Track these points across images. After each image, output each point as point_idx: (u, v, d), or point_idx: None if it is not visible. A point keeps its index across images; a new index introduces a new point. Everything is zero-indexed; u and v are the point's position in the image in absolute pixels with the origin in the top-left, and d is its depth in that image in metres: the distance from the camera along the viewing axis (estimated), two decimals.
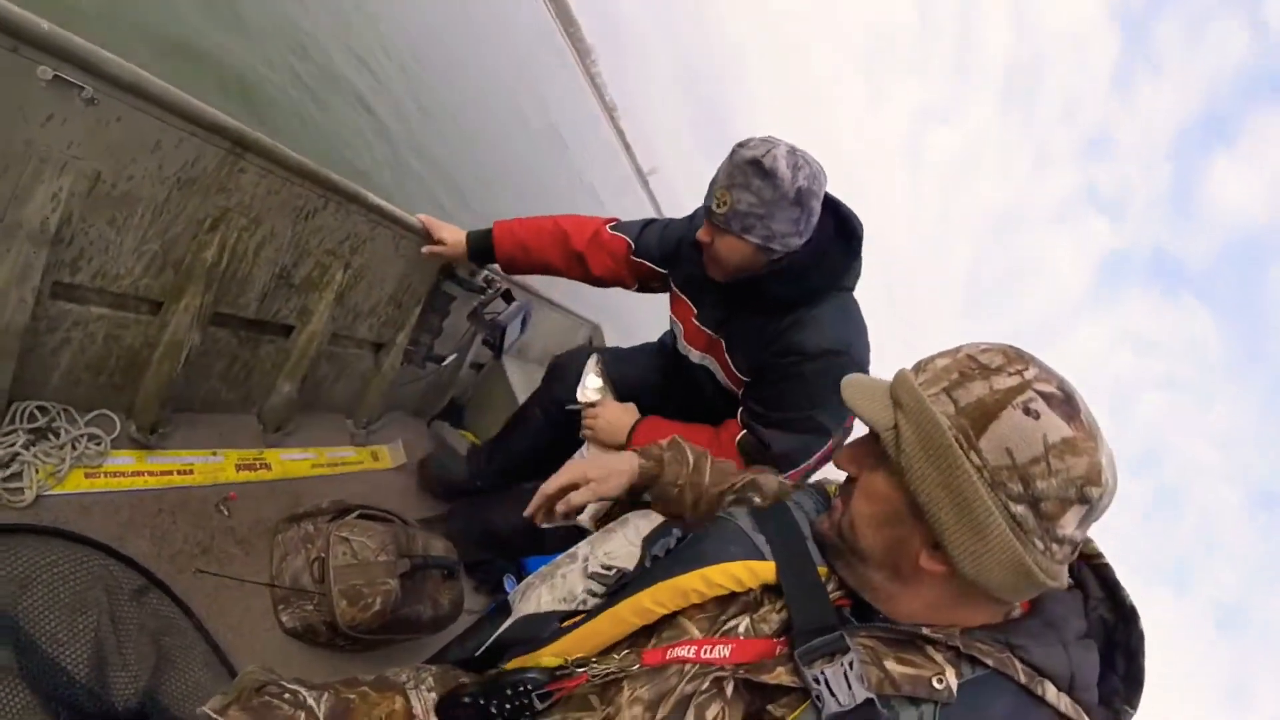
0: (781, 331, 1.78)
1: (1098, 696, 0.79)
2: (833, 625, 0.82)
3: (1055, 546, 0.74)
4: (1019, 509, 0.72)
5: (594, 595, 1.16)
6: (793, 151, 1.62)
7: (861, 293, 1.85)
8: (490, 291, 2.55)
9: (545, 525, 1.33)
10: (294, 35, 7.06)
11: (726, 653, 0.84)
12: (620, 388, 2.14)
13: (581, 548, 1.25)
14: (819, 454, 1.84)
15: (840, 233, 1.79)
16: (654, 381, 2.24)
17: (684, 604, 0.92)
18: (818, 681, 0.75)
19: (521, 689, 0.94)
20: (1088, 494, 0.72)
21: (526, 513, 1.31)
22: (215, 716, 0.90)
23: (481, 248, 2.25)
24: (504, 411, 2.71)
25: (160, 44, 4.61)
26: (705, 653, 0.85)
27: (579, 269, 2.25)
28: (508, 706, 0.94)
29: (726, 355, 1.95)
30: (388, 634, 1.79)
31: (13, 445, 1.46)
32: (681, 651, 0.86)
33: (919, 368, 0.84)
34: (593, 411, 2.03)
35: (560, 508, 1.26)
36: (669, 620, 0.93)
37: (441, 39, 13.44)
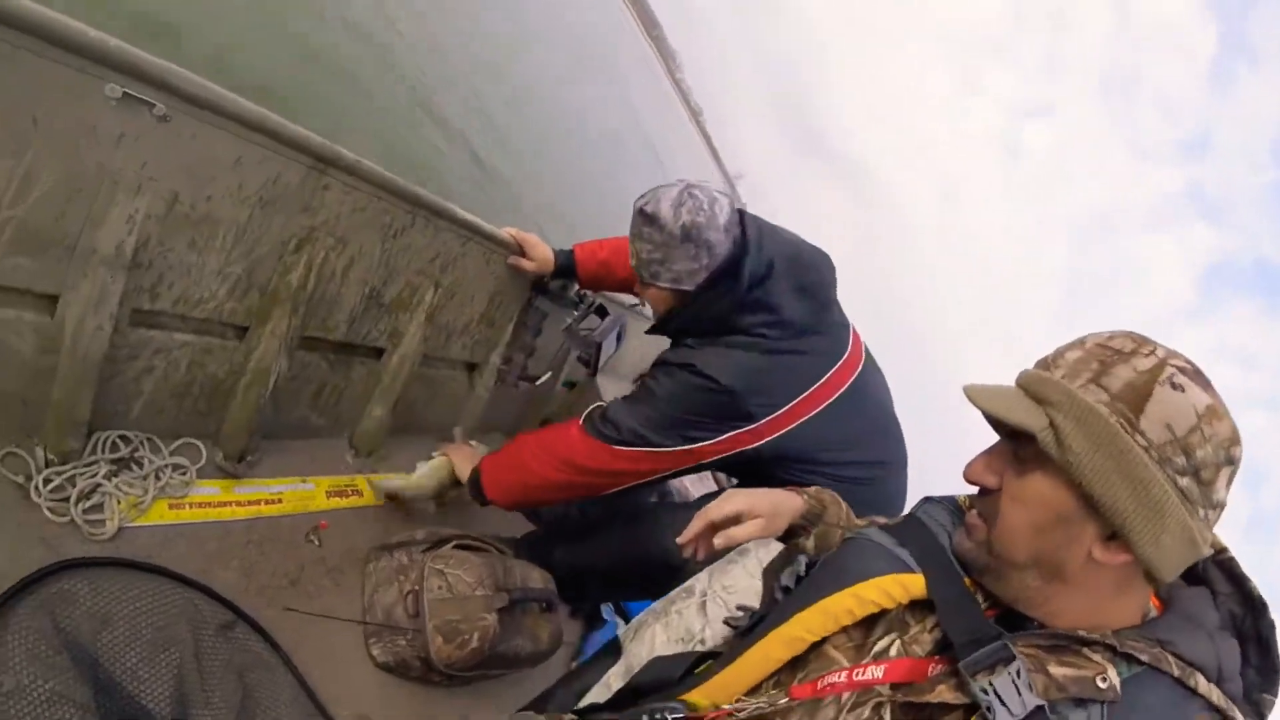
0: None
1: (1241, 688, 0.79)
2: (993, 635, 0.79)
3: (1212, 513, 0.76)
4: (1185, 481, 0.73)
5: (724, 637, 1.03)
6: (684, 191, 1.68)
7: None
8: (584, 307, 2.45)
9: (691, 557, 1.21)
10: (385, 63, 7.21)
11: (880, 673, 0.82)
12: None
13: (698, 581, 1.11)
14: (644, 456, 1.74)
15: (730, 273, 1.71)
16: None
17: (834, 628, 0.90)
18: (986, 693, 0.73)
19: (659, 717, 0.92)
20: (1234, 455, 0.75)
21: (681, 539, 1.21)
22: None
23: (565, 268, 2.22)
24: None
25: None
26: (858, 676, 0.83)
27: None
28: None
29: None
30: (484, 670, 1.69)
31: (94, 476, 1.41)
32: (834, 679, 0.84)
33: (1049, 364, 0.83)
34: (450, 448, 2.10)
35: (719, 541, 1.16)
36: (814, 650, 0.91)
37: (526, 60, 13.65)
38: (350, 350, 1.98)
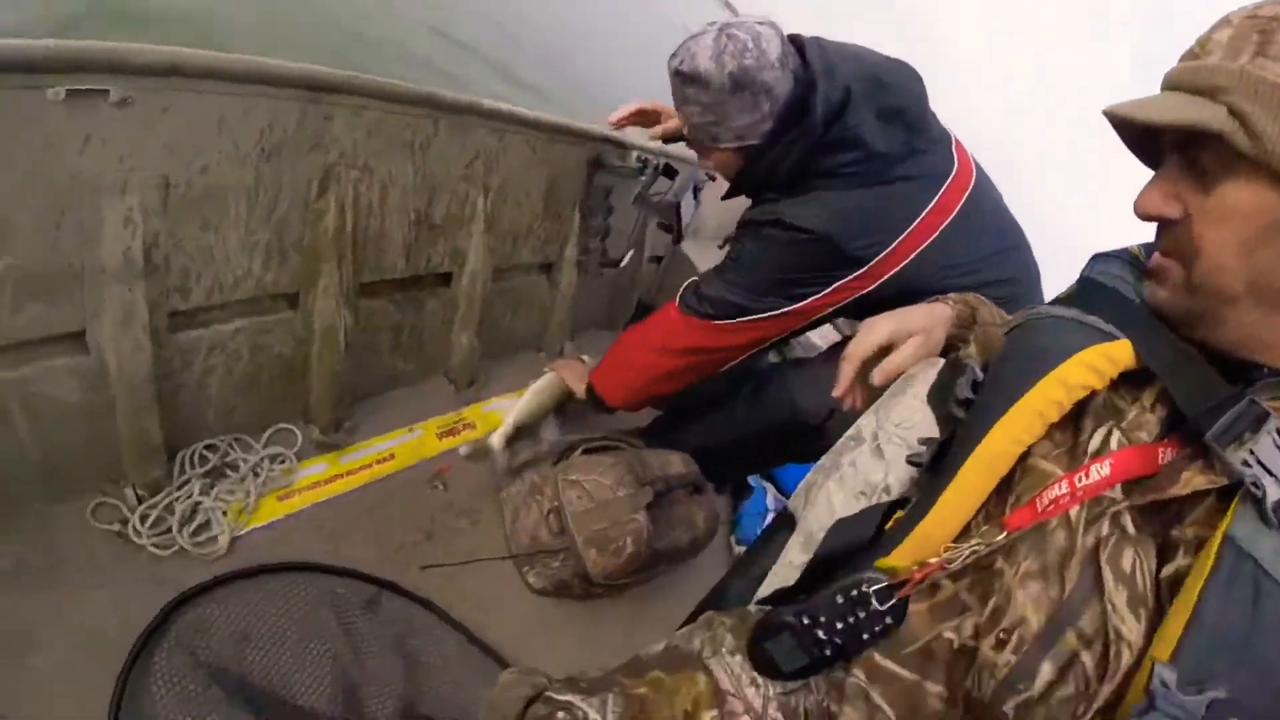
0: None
1: None
2: (1233, 392, 0.63)
3: None
4: None
5: (912, 479, 0.86)
6: (720, 35, 1.45)
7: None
8: (650, 171, 2.22)
9: (849, 408, 1.07)
10: None
11: (1106, 471, 0.67)
12: None
13: (865, 425, 0.93)
14: (748, 326, 1.64)
15: (800, 112, 1.50)
16: None
17: (1041, 429, 0.73)
18: (1248, 465, 0.57)
19: (856, 593, 0.74)
20: None
21: (836, 391, 1.06)
22: None
23: None
24: None
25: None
26: (1082, 482, 0.67)
27: None
28: (838, 625, 0.73)
29: None
30: (649, 571, 1.60)
31: (190, 496, 1.35)
32: (1055, 493, 0.68)
33: (1197, 53, 0.68)
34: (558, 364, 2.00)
35: (878, 378, 1.00)
36: (1019, 469, 0.74)
37: None
38: (415, 284, 1.85)
